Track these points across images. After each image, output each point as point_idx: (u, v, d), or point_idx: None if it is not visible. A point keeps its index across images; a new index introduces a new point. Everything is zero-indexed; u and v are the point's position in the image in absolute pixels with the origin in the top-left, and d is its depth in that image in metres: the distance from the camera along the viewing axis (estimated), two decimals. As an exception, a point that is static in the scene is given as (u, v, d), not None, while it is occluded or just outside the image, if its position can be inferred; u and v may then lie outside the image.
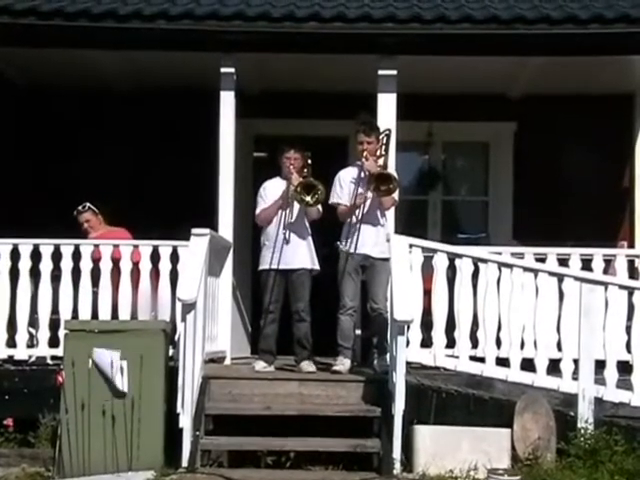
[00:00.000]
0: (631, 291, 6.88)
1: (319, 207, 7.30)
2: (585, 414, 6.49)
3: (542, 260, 7.34)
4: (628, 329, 6.91)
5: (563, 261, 7.40)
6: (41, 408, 6.75)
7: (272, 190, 7.46)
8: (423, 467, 6.20)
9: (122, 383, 6.30)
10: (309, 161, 7.39)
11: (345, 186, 7.30)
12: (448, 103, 8.80)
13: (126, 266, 7.27)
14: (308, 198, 7.20)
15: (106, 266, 7.23)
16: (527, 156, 9.19)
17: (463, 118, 9.00)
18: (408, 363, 6.47)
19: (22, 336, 7.25)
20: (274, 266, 7.26)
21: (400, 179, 7.34)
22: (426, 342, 6.94)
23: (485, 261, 6.95)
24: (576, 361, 6.68)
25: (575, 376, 6.66)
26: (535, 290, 6.87)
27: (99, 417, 6.29)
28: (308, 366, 7.18)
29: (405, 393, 6.25)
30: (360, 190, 7.18)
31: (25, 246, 7.25)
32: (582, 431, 6.39)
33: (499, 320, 6.89)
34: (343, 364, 7.10)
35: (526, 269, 6.93)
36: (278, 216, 7.35)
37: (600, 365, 6.69)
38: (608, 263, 7.59)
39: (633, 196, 8.81)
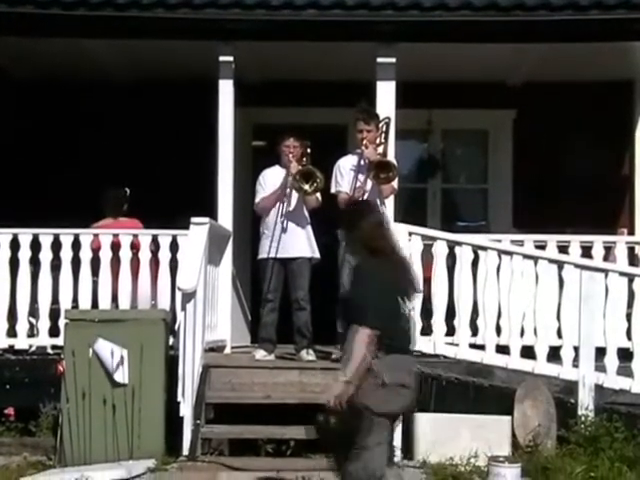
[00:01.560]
0: (631, 278, 6.88)
1: (318, 196, 7.30)
2: (585, 401, 6.50)
3: (542, 247, 7.34)
4: (628, 316, 6.92)
5: (563, 248, 7.39)
6: (42, 397, 6.76)
7: (271, 178, 7.44)
8: (423, 455, 6.22)
9: (122, 373, 6.30)
10: (308, 149, 7.38)
11: (345, 174, 7.29)
12: (447, 91, 8.77)
13: (126, 255, 7.27)
14: (307, 186, 7.19)
15: (106, 255, 7.23)
16: (527, 144, 9.17)
17: (462, 106, 8.97)
18: (408, 351, 6.47)
19: (22, 326, 7.26)
20: (273, 255, 7.25)
21: (399, 167, 7.34)
22: (426, 330, 6.95)
23: (485, 249, 6.95)
24: (576, 348, 6.69)
25: (575, 363, 6.67)
26: (535, 277, 6.87)
27: (100, 406, 6.29)
28: (308, 355, 7.18)
29: (405, 381, 6.25)
30: (360, 179, 7.17)
31: (25, 236, 7.25)
32: (582, 418, 6.40)
33: (499, 308, 6.90)
34: (343, 352, 7.10)
35: (526, 256, 6.93)
36: (277, 205, 7.34)
37: (600, 352, 6.69)
38: (608, 250, 7.59)
39: (633, 183, 8.80)
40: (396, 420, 4.37)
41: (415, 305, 6.68)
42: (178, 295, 6.64)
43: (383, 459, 4.22)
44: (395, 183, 7.21)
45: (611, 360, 6.70)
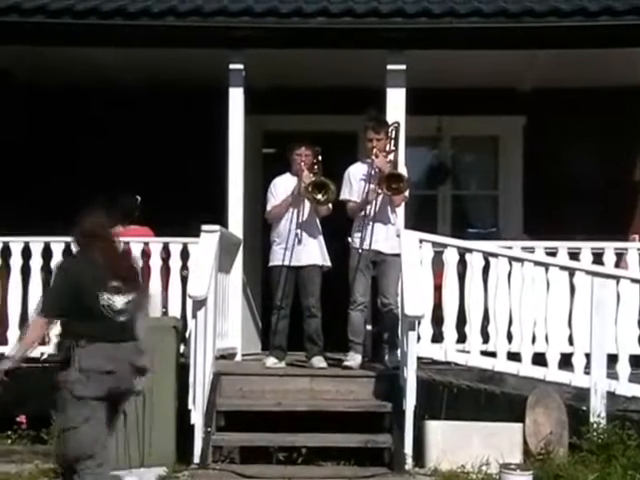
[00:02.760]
0: (643, 285, 6.86)
1: (329, 204, 7.31)
2: (597, 408, 6.47)
3: (553, 254, 7.31)
4: (640, 323, 6.89)
5: (574, 255, 7.36)
6: (54, 405, 6.74)
7: (282, 187, 7.46)
8: (435, 462, 6.20)
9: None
10: (319, 157, 7.39)
11: (355, 183, 7.30)
12: (457, 97, 8.76)
13: (137, 263, 7.28)
14: (319, 196, 7.23)
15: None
16: (537, 150, 9.15)
17: (472, 112, 8.96)
18: (419, 358, 6.47)
19: (34, 334, 7.26)
20: (285, 262, 7.26)
21: (409, 174, 7.34)
22: (437, 337, 6.94)
23: (496, 255, 6.93)
24: (588, 355, 6.66)
25: (587, 370, 6.64)
26: (546, 284, 6.85)
27: (111, 414, 6.29)
28: (319, 362, 7.18)
29: (416, 388, 6.25)
30: (370, 188, 7.17)
31: (36, 244, 7.28)
32: (594, 425, 6.37)
33: (510, 314, 6.88)
34: (354, 359, 7.10)
35: (537, 263, 6.91)
36: (289, 213, 7.35)
37: (612, 359, 6.67)
38: (619, 257, 7.55)
39: (644, 189, 8.78)
40: (110, 401, 4.65)
41: (426, 312, 6.70)
42: (189, 303, 6.64)
43: (93, 435, 4.57)
44: (406, 192, 7.20)
45: (623, 367, 6.67)
